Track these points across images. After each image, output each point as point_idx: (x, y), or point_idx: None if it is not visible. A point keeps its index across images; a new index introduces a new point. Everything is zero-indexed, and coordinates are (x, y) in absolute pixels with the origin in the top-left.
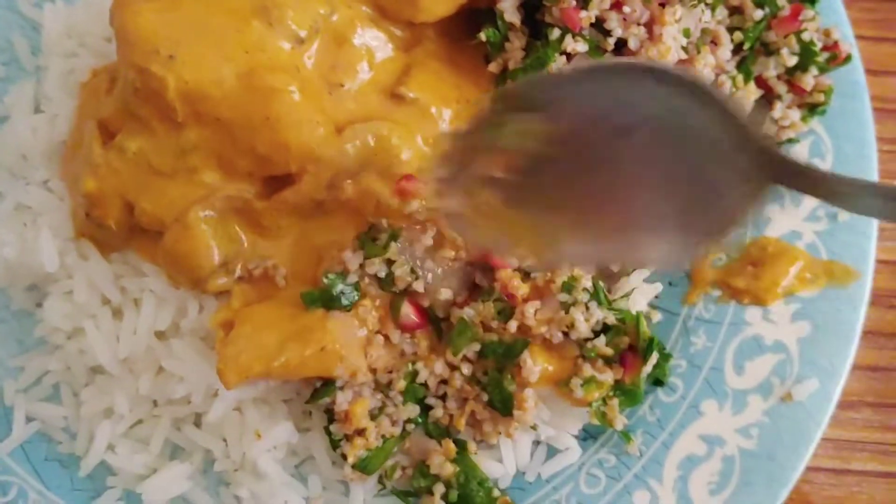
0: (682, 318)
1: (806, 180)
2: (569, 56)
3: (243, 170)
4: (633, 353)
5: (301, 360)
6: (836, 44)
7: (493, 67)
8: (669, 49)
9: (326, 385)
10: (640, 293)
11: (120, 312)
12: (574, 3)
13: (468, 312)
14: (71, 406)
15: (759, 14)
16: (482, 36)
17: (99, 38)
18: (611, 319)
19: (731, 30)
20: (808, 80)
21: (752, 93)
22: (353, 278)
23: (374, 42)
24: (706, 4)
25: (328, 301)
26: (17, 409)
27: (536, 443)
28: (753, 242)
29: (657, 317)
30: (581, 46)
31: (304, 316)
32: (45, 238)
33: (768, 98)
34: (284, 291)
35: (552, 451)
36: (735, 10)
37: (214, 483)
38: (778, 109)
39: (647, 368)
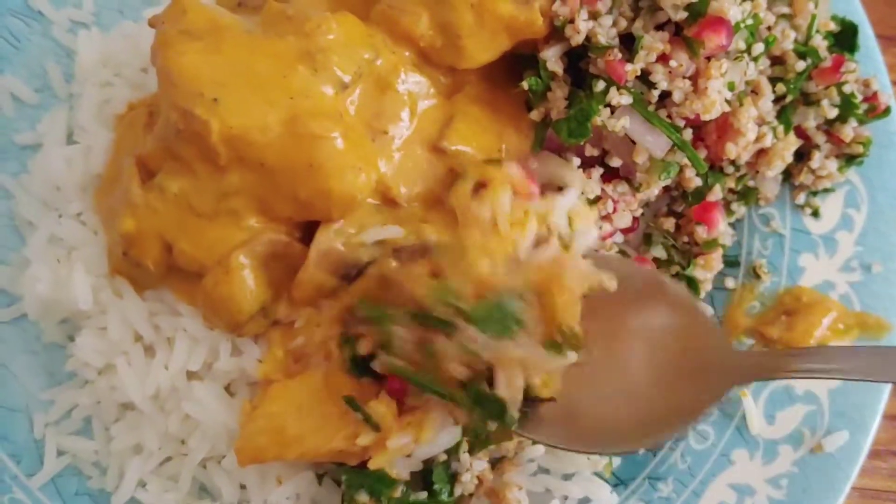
0: None
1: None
2: (612, 108)
3: (284, 215)
4: None
5: (317, 454)
6: (875, 95)
7: (535, 116)
8: (714, 102)
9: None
10: None
11: (152, 350)
12: (619, 55)
13: None
14: (102, 440)
15: (801, 65)
16: (524, 84)
17: (135, 69)
18: None
19: (772, 80)
20: (848, 131)
21: (791, 143)
22: None
23: (417, 87)
24: (750, 57)
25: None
26: (47, 443)
27: (565, 497)
28: (787, 292)
29: None
30: (625, 99)
31: (333, 403)
32: (79, 275)
33: (806, 148)
34: (318, 369)
35: (585, 499)
36: (777, 61)
37: None
38: (816, 160)
39: None
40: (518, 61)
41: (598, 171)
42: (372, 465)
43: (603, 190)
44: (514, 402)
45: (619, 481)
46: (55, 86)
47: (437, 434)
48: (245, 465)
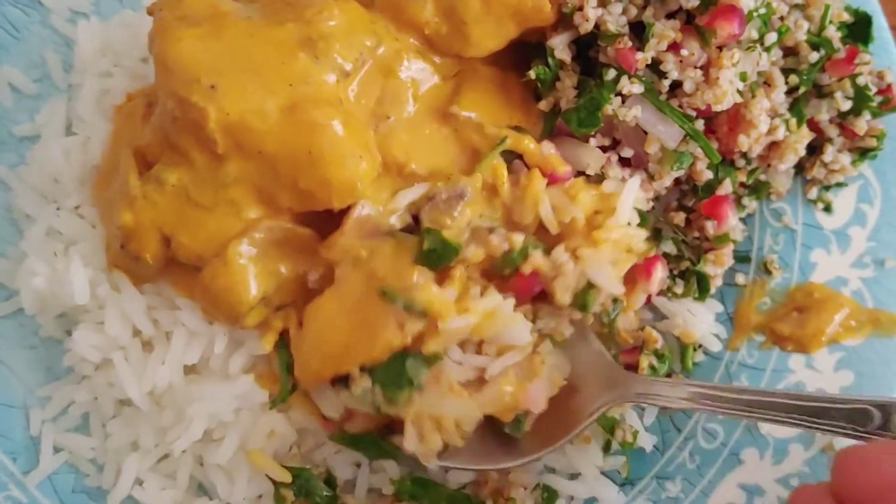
0: (724, 362)
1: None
2: (623, 98)
3: (284, 204)
4: None
5: (370, 357)
6: (889, 87)
7: (544, 105)
8: (726, 93)
9: None
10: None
11: (150, 345)
12: (630, 43)
13: None
14: (99, 437)
15: (814, 56)
16: (532, 73)
17: (135, 59)
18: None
19: (785, 71)
20: (861, 124)
21: (804, 136)
22: None
23: (420, 75)
24: (763, 47)
25: None
26: (44, 440)
27: (571, 497)
28: (799, 288)
29: (700, 357)
30: (636, 88)
31: (371, 305)
32: (76, 269)
33: (819, 141)
34: (348, 278)
35: (592, 499)
36: (789, 52)
37: None
38: (829, 153)
39: None
40: (525, 50)
41: (614, 156)
42: (426, 350)
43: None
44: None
45: (626, 481)
46: (54, 76)
47: (505, 328)
48: (311, 387)
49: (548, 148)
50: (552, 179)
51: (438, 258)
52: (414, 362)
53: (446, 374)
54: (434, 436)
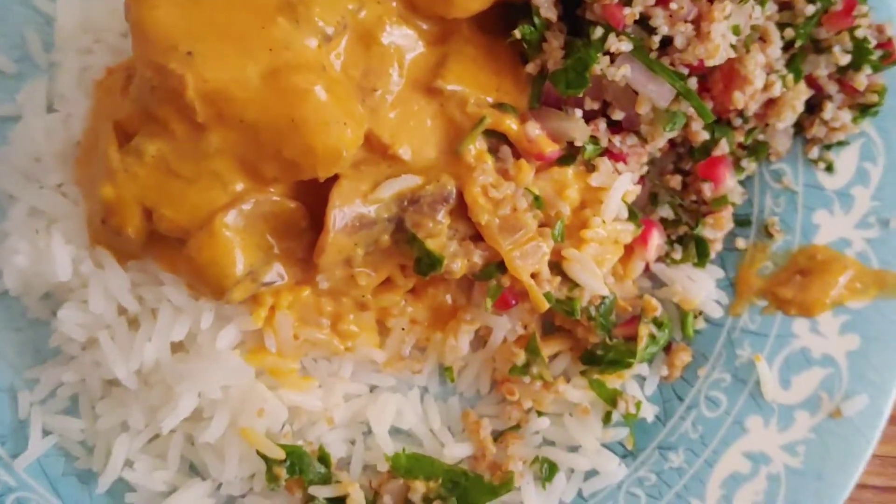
0: (726, 329)
1: None
2: (612, 56)
3: (269, 175)
4: None
5: None
6: (889, 41)
7: (531, 68)
8: (718, 47)
9: None
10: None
11: (136, 322)
12: None
13: None
14: (88, 419)
15: (810, 9)
16: (517, 33)
17: (115, 34)
18: None
19: (780, 26)
20: (861, 79)
21: (802, 92)
22: None
23: (404, 41)
24: (756, 0)
25: None
26: (33, 422)
27: (571, 470)
28: (801, 250)
29: (700, 325)
30: (625, 45)
31: None
32: (57, 246)
33: (818, 98)
34: None
35: (592, 472)
36: (785, 6)
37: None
38: (828, 110)
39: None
40: (510, 11)
41: (603, 123)
42: None
43: (611, 142)
44: None
45: (627, 452)
46: (34, 55)
47: None
48: None
49: (533, 129)
50: (539, 159)
51: (427, 267)
52: None
53: None
54: None
